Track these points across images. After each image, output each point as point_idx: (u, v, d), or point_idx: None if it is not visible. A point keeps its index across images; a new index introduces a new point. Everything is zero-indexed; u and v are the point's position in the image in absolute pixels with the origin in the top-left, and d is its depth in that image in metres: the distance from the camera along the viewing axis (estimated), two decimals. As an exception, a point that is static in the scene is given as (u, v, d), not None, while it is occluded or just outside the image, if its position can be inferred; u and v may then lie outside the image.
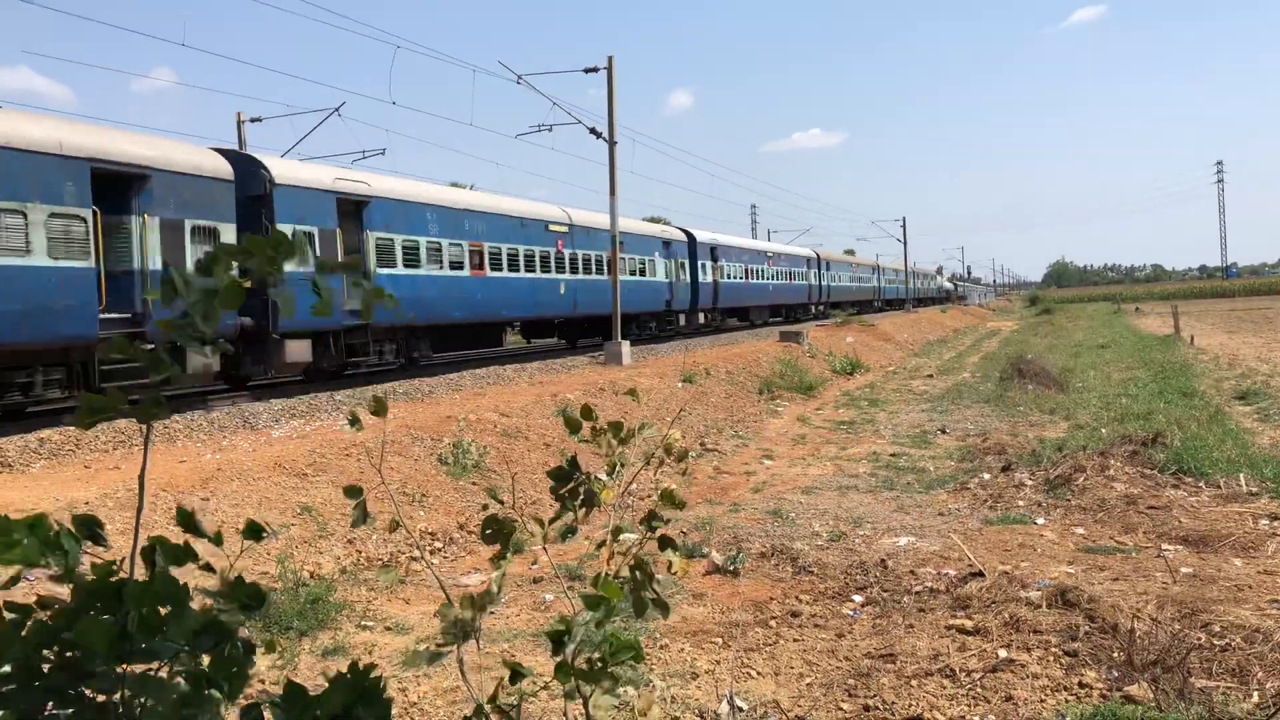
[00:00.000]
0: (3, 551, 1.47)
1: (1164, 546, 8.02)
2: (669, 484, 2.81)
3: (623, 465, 2.58)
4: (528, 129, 29.49)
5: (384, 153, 62.78)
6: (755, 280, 46.59)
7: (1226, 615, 5.94)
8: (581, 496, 2.48)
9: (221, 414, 13.21)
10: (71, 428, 11.87)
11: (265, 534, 1.79)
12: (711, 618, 6.82)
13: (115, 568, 1.56)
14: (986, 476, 11.36)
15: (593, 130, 25.23)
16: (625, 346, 23.26)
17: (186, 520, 1.65)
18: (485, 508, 2.63)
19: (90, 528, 1.68)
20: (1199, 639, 5.57)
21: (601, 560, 2.57)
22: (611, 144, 24.68)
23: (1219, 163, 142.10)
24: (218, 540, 1.69)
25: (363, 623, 6.89)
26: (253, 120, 30.62)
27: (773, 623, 6.63)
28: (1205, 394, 17.65)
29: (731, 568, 7.80)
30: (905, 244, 78.46)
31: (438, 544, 8.98)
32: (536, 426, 13.24)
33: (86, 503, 7.73)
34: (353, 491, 2.49)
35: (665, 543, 2.44)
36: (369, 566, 8.15)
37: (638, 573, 2.38)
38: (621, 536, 2.70)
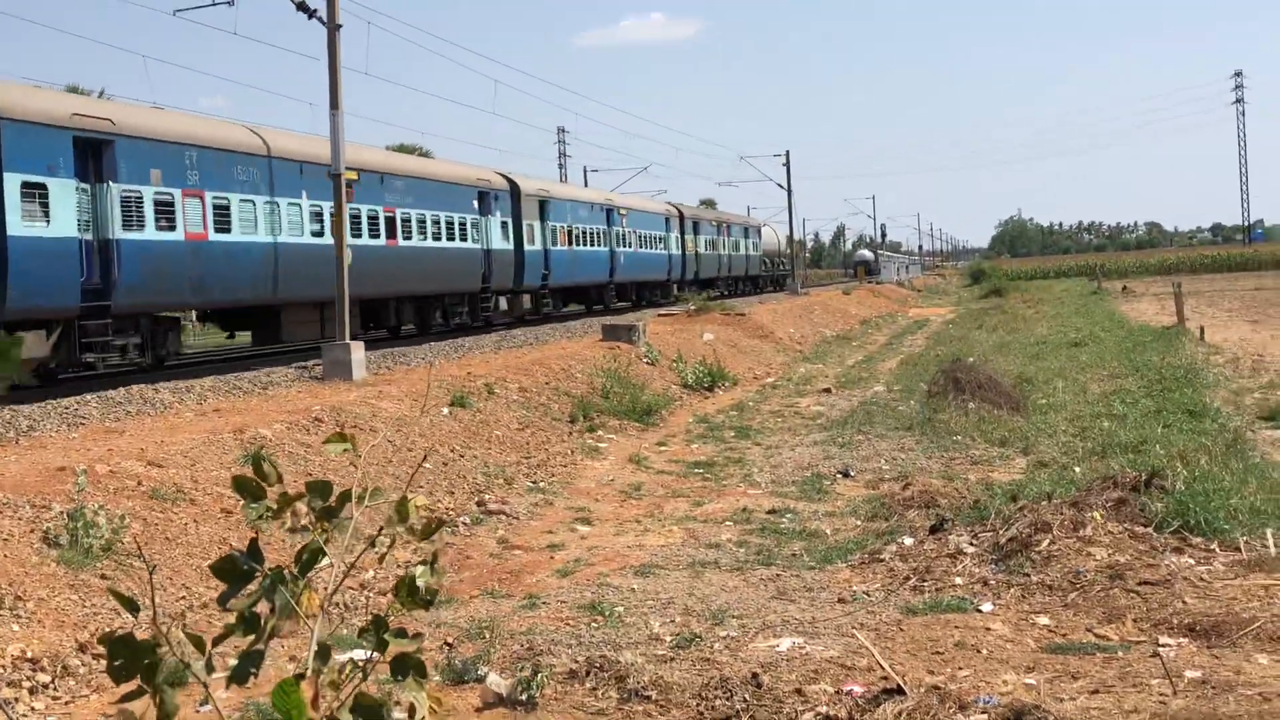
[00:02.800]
0: None
1: (1162, 640, 8.49)
2: (415, 570, 2.77)
3: (323, 552, 2.53)
4: (193, 4, 28.35)
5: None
6: None
7: (1245, 737, 6.34)
8: (268, 606, 2.41)
9: None
10: None
11: None
12: (492, 777, 6.78)
13: None
14: (908, 541, 11.75)
15: (300, 5, 24.70)
16: (357, 352, 22.92)
17: None
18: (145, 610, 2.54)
19: None
20: (1207, 774, 5.93)
21: (303, 697, 2.51)
22: (333, 28, 24.31)
23: (1238, 74, 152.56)
24: None
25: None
26: None
27: (588, 780, 6.64)
28: (1220, 413, 18.83)
29: (524, 697, 7.78)
30: (790, 190, 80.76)
31: (42, 676, 8.59)
32: (210, 482, 12.85)
33: None
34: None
35: (402, 666, 2.39)
36: (-74, 719, 7.72)
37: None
38: (335, 660, 2.64)
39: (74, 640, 9.17)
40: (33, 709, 8.13)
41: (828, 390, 28.14)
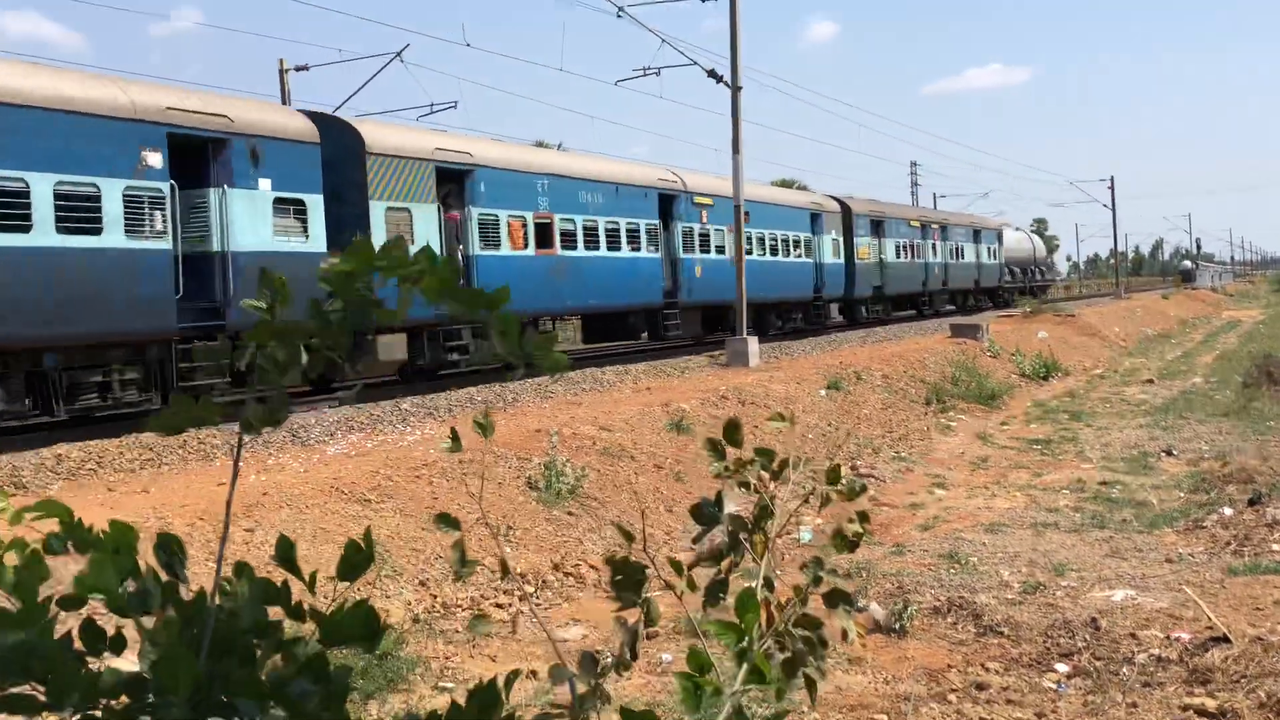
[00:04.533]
0: (90, 577, 1.59)
1: None
2: (844, 523, 2.83)
3: (771, 507, 2.62)
4: (630, 74, 29.43)
5: (455, 106, 64.08)
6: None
7: None
8: (729, 543, 2.52)
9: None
10: (92, 443, 12.53)
11: (365, 570, 1.87)
12: (873, 689, 6.81)
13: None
14: (1228, 512, 11.06)
15: (711, 73, 25.27)
16: (753, 344, 23.29)
17: (286, 553, 1.75)
18: (601, 540, 2.70)
19: (169, 553, 1.80)
20: None
21: (760, 619, 2.60)
22: (735, 89, 24.70)
23: None
24: (312, 584, 1.79)
25: (440, 683, 7.08)
26: (298, 69, 31.74)
27: (952, 697, 6.59)
28: None
29: (897, 625, 7.77)
30: (1114, 209, 76.36)
31: (528, 588, 9.17)
32: (645, 444, 13.36)
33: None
34: (448, 521, 2.55)
35: (837, 598, 2.45)
36: (445, 614, 8.36)
37: (801, 634, 2.39)
38: (777, 588, 2.73)
39: (549, 561, 9.75)
40: (521, 612, 8.70)
41: (1150, 381, 26.57)
